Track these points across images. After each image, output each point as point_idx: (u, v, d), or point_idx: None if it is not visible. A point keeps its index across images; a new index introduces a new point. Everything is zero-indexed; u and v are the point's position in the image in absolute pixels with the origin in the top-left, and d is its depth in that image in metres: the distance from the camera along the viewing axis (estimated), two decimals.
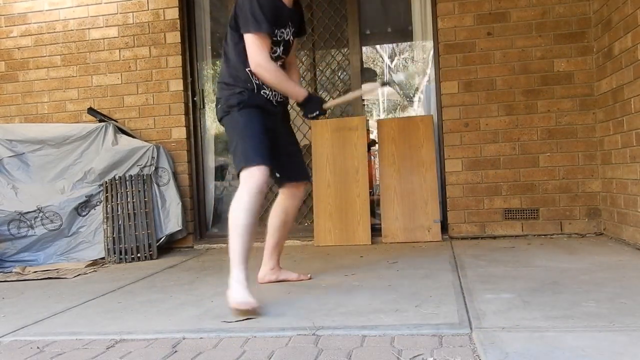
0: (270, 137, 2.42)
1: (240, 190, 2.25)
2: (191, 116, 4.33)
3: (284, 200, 2.66)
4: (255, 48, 2.32)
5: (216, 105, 2.53)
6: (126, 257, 3.76)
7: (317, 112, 2.47)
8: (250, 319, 2.03)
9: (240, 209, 2.21)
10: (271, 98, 2.49)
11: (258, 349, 1.70)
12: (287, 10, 2.46)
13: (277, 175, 2.59)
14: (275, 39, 2.41)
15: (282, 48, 2.48)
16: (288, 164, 2.60)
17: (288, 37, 2.49)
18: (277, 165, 2.50)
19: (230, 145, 2.47)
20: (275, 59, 2.44)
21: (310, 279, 2.71)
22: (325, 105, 2.52)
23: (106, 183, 3.92)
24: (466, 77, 3.90)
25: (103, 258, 3.77)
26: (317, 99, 2.52)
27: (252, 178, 2.24)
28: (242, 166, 2.29)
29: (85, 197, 3.90)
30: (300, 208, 4.26)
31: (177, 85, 4.25)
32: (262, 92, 2.46)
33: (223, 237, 4.26)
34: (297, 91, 2.46)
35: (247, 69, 2.41)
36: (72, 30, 4.41)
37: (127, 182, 3.91)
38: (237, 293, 2.11)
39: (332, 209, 3.97)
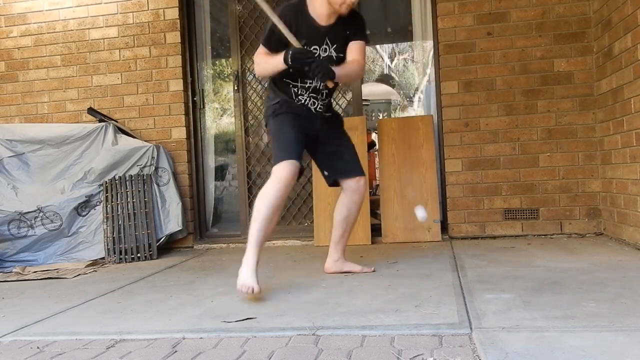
0: (305, 138, 2.63)
1: (266, 184, 2.47)
2: (191, 116, 4.33)
3: (343, 196, 2.80)
4: (257, 53, 2.61)
5: None
6: (126, 257, 3.76)
7: (323, 75, 2.40)
8: (250, 318, 2.03)
9: (262, 201, 2.42)
10: (310, 106, 2.68)
11: (258, 349, 1.70)
12: (320, 28, 2.57)
13: (326, 173, 2.81)
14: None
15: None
16: (336, 162, 2.77)
17: (328, 53, 2.61)
18: (324, 165, 2.81)
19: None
20: (313, 56, 2.48)
21: (374, 271, 2.81)
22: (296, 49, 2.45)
23: (106, 183, 3.92)
24: (466, 77, 3.90)
25: (103, 258, 3.77)
26: (302, 55, 2.43)
27: (276, 173, 2.45)
28: (273, 163, 2.53)
29: (85, 197, 3.90)
30: (300, 207, 4.32)
31: (177, 85, 4.25)
32: (297, 100, 2.66)
33: (223, 237, 4.29)
34: (278, 60, 2.46)
35: (283, 83, 2.63)
36: (72, 30, 4.41)
37: (127, 182, 3.91)
38: (244, 275, 2.34)
39: (332, 209, 3.94)
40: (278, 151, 2.56)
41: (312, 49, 2.54)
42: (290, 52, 2.40)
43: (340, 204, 2.81)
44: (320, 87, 2.62)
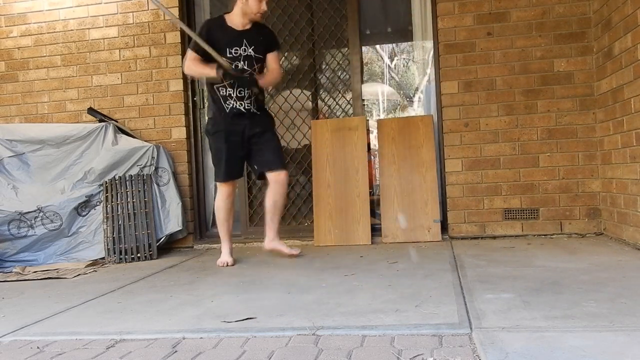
0: (238, 147, 3.33)
1: (217, 195, 3.45)
2: (191, 116, 4.33)
3: (270, 187, 3.38)
4: (187, 57, 3.28)
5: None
6: (126, 257, 3.76)
7: (229, 72, 3.15)
8: (250, 318, 2.03)
9: (218, 209, 3.42)
10: (239, 107, 3.29)
11: (258, 349, 1.70)
12: (238, 33, 3.26)
13: (255, 167, 3.44)
14: (230, 55, 3.21)
15: (245, 62, 3.25)
16: (262, 158, 3.38)
17: (247, 52, 3.26)
18: (253, 161, 3.43)
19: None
20: (240, 71, 3.22)
21: (300, 254, 3.46)
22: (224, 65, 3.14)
23: (106, 183, 3.92)
24: (466, 77, 3.90)
25: (103, 258, 3.77)
26: (220, 65, 3.13)
27: (220, 190, 3.40)
28: (215, 179, 3.47)
29: (85, 197, 3.90)
30: (300, 207, 4.32)
31: (177, 85, 4.26)
32: (227, 104, 3.28)
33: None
34: (208, 68, 3.16)
35: (214, 89, 3.30)
36: (72, 30, 4.41)
37: (127, 182, 3.91)
38: (222, 256, 3.38)
39: (332, 209, 3.97)
40: (217, 170, 3.39)
41: (233, 49, 3.22)
42: (222, 70, 3.11)
43: (269, 194, 3.40)
44: (245, 92, 3.29)
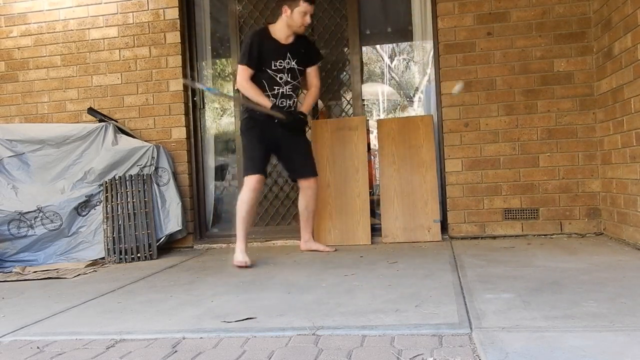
0: (271, 147, 3.44)
1: (242, 190, 3.37)
2: (191, 116, 4.33)
3: (301, 192, 3.58)
4: (239, 73, 3.36)
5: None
6: (126, 257, 3.76)
7: (291, 120, 3.38)
8: (250, 318, 2.03)
9: (241, 203, 3.32)
10: (280, 106, 3.39)
11: (258, 349, 1.70)
12: (282, 46, 3.38)
13: (287, 173, 3.71)
14: (275, 67, 3.36)
15: (288, 74, 3.41)
16: (295, 165, 3.56)
17: (290, 65, 3.40)
18: (286, 167, 3.67)
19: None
20: (284, 84, 3.39)
21: (335, 251, 3.59)
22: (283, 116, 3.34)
23: (106, 183, 3.92)
24: (466, 77, 3.90)
25: (103, 258, 3.77)
26: (279, 109, 3.36)
27: (247, 183, 3.34)
28: (243, 174, 3.41)
29: (85, 197, 3.90)
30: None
31: (177, 85, 4.25)
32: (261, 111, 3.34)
33: (223, 237, 4.29)
34: (264, 101, 3.32)
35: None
36: (72, 30, 4.41)
37: (127, 182, 3.91)
38: (238, 255, 3.22)
39: (332, 209, 3.97)
40: (249, 164, 3.38)
41: (278, 62, 3.36)
42: (277, 117, 3.32)
43: (300, 198, 3.58)
44: (285, 92, 3.41)
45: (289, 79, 3.41)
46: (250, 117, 3.40)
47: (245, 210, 3.31)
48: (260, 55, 3.32)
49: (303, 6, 3.30)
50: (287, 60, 3.39)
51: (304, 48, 3.47)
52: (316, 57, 3.58)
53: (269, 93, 3.36)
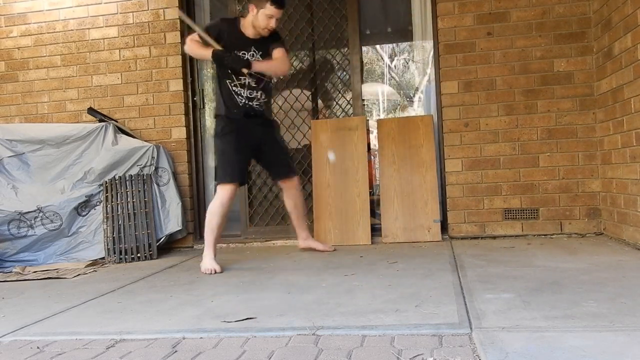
0: (249, 151, 3.31)
1: (215, 200, 3.23)
2: (191, 116, 4.33)
3: (285, 192, 3.55)
4: (190, 38, 3.25)
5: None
6: (126, 257, 3.76)
7: (237, 65, 3.14)
8: (250, 318, 2.03)
9: (212, 215, 3.20)
10: (249, 103, 3.27)
11: (258, 349, 1.70)
12: (248, 39, 3.24)
13: (269, 174, 3.61)
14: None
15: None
16: (277, 165, 3.49)
17: (254, 58, 3.23)
18: (267, 168, 3.61)
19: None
20: (249, 75, 3.20)
21: (334, 250, 3.59)
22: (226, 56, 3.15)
23: (106, 183, 3.92)
24: (466, 77, 3.90)
25: (103, 258, 3.77)
26: (222, 53, 3.16)
27: (221, 193, 3.21)
28: (218, 181, 3.30)
29: (85, 197, 3.90)
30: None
31: (177, 85, 4.26)
32: (238, 100, 3.24)
33: (223, 237, 4.25)
34: (205, 52, 3.18)
35: (225, 84, 3.25)
36: (72, 30, 4.41)
37: (127, 182, 3.91)
38: (207, 263, 3.15)
39: (332, 209, 3.97)
40: (223, 171, 3.25)
41: (240, 53, 3.19)
42: (215, 53, 3.14)
43: (286, 199, 3.58)
44: (252, 83, 3.25)
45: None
46: (227, 117, 3.27)
47: (216, 223, 3.18)
48: (225, 43, 3.16)
49: (269, 9, 3.12)
50: (250, 53, 3.23)
51: (270, 42, 3.29)
52: (276, 38, 3.32)
53: (236, 82, 3.23)
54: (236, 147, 3.23)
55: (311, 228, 4.06)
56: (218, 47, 3.14)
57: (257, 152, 3.39)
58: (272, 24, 3.17)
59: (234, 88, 3.24)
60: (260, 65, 3.19)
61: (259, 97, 3.31)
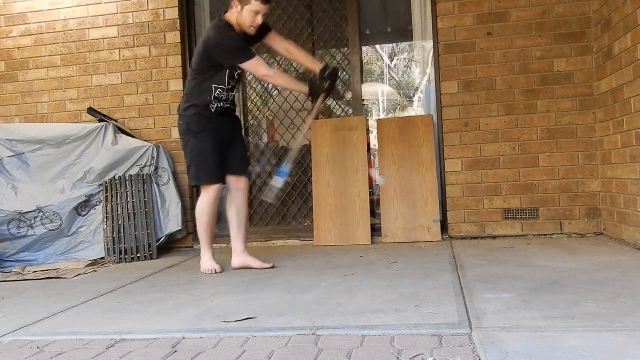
0: (223, 147, 3.12)
1: (202, 200, 3.13)
2: None
3: (231, 194, 3.21)
4: (258, 67, 3.03)
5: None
6: (126, 257, 3.76)
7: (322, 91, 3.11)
8: (250, 318, 2.03)
9: (202, 214, 3.13)
10: (222, 105, 3.10)
11: (258, 349, 1.70)
12: (245, 38, 3.10)
13: (224, 170, 3.23)
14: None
15: (239, 70, 3.09)
16: (234, 160, 3.19)
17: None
18: (225, 162, 3.18)
19: (186, 158, 3.22)
20: (237, 76, 3.10)
21: (273, 267, 3.13)
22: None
23: (106, 183, 3.92)
24: (466, 77, 3.90)
25: (103, 258, 3.77)
26: (319, 85, 3.14)
27: (208, 194, 3.10)
28: (200, 182, 3.16)
29: (85, 197, 3.90)
30: (300, 207, 4.32)
31: (177, 85, 4.26)
32: (212, 104, 3.06)
33: (223, 237, 4.28)
34: (301, 87, 3.17)
35: (210, 86, 3.04)
36: (72, 30, 4.41)
37: (127, 182, 3.91)
38: (206, 263, 3.13)
39: (332, 209, 3.97)
40: (203, 172, 3.10)
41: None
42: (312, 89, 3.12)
43: (230, 203, 3.21)
44: (236, 87, 3.18)
45: (240, 72, 3.11)
46: (199, 114, 3.06)
47: (206, 221, 3.10)
48: None
49: (255, 5, 2.91)
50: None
51: (258, 34, 3.11)
52: (266, 26, 3.14)
53: (226, 87, 3.05)
54: (214, 147, 3.08)
55: (310, 228, 4.07)
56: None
57: (226, 147, 3.19)
58: (259, 20, 2.98)
59: (217, 93, 3.05)
60: (309, 61, 3.32)
61: (233, 96, 3.19)
